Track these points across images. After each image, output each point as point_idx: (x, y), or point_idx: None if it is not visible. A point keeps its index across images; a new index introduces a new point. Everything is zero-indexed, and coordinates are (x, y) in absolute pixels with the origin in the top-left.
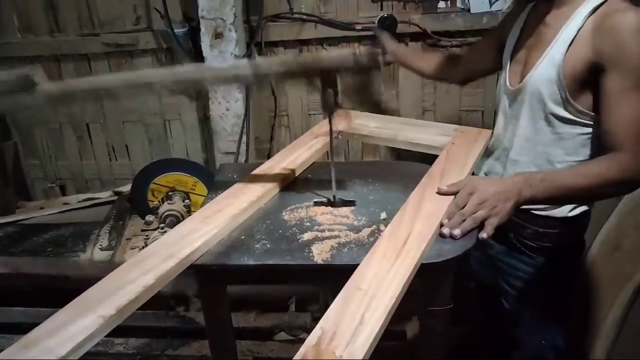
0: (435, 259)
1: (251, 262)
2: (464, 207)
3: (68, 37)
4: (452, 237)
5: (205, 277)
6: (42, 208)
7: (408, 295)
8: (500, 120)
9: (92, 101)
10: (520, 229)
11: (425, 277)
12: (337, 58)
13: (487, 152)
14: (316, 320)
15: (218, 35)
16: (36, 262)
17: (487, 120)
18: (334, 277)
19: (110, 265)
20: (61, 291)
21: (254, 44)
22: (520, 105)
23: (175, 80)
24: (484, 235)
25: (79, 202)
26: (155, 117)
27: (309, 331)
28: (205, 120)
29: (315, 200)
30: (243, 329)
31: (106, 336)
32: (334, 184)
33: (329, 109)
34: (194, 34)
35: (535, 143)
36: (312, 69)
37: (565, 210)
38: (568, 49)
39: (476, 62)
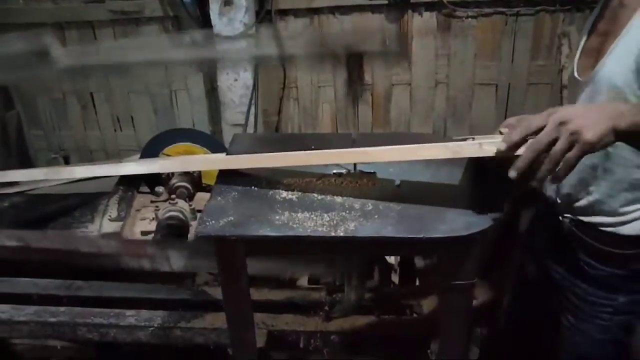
0: (461, 232)
1: (271, 234)
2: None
3: (72, 3)
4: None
5: (224, 248)
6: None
7: (428, 270)
8: None
9: (107, 74)
10: (581, 247)
11: (450, 250)
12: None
13: None
14: (331, 294)
15: (227, 3)
16: (45, 235)
17: (500, 95)
18: (357, 248)
19: (120, 238)
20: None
21: (264, 12)
22: (591, 100)
23: (196, 59)
24: (561, 172)
25: None
26: (161, 87)
27: (323, 305)
28: (212, 91)
29: (335, 171)
30: (257, 302)
31: (117, 307)
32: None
33: (354, 92)
34: (202, 1)
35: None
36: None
37: (638, 227)
38: None
39: None
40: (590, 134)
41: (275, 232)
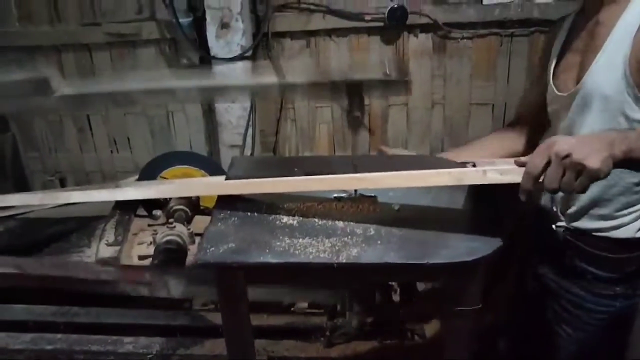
0: (465, 257)
1: (272, 260)
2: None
3: (69, 26)
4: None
5: (224, 275)
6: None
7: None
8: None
9: (108, 105)
10: (576, 254)
11: (454, 276)
12: (369, 80)
13: None
14: (332, 319)
15: (224, 26)
16: (41, 262)
17: (497, 115)
18: (359, 275)
19: (117, 264)
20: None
21: (261, 35)
22: (579, 113)
23: (200, 90)
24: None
25: None
26: (159, 109)
27: (324, 331)
28: (209, 112)
29: (335, 195)
30: (256, 328)
31: (115, 334)
32: None
33: (354, 119)
34: (199, 24)
35: None
36: (342, 86)
37: (632, 230)
38: (633, 41)
39: (536, 113)
40: (594, 162)
41: (277, 258)
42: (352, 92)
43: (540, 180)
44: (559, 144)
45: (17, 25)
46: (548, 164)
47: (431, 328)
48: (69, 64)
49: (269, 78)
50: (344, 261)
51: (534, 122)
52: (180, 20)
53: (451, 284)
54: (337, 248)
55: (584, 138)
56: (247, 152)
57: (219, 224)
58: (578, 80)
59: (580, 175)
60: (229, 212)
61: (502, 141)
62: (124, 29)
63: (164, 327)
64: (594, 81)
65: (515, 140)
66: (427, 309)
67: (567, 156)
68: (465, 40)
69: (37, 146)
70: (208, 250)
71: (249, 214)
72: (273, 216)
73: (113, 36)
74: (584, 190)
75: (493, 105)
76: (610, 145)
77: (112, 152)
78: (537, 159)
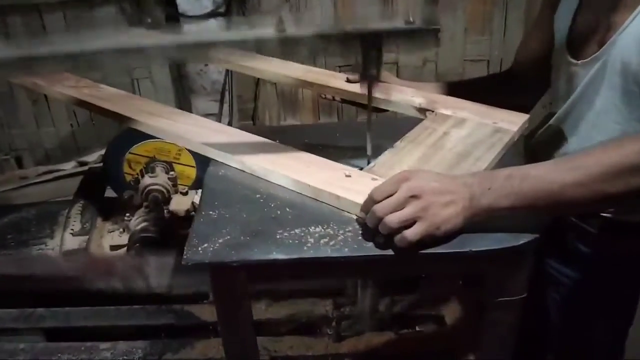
0: (513, 242)
1: (283, 256)
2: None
3: None
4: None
5: (222, 276)
6: None
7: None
8: (557, 104)
9: (68, 69)
10: (576, 234)
11: (498, 265)
12: (388, 30)
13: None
14: (339, 308)
15: None
16: None
17: (492, 71)
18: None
19: (86, 256)
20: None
21: None
22: (593, 86)
23: (178, 47)
24: (398, 243)
25: (39, 175)
26: (122, 76)
27: (331, 322)
28: (180, 78)
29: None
30: (255, 322)
31: (89, 340)
32: (369, 151)
33: (370, 78)
34: None
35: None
36: (356, 38)
37: None
38: None
39: (537, 60)
40: (438, 217)
41: (287, 254)
42: (369, 46)
43: None
44: (416, 180)
45: None
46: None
47: (450, 312)
48: (16, 27)
49: (265, 31)
50: (370, 254)
51: (533, 74)
52: None
53: (496, 272)
54: (358, 237)
55: (447, 185)
56: (225, 121)
57: (210, 211)
58: (600, 44)
59: (418, 222)
60: (220, 195)
61: (489, 90)
62: None
63: (146, 328)
64: (622, 48)
65: (507, 92)
66: (448, 289)
67: (416, 197)
68: None
69: None
70: (200, 247)
71: (245, 195)
72: (274, 199)
73: None
74: (410, 241)
75: (488, 61)
76: (470, 198)
77: (72, 125)
78: (387, 185)
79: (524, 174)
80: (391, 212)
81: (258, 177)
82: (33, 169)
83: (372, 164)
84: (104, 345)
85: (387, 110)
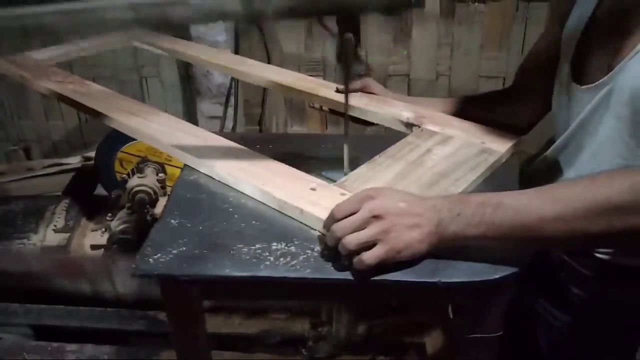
0: (489, 275)
1: (235, 274)
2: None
3: None
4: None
5: (172, 290)
6: (2, 174)
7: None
8: (557, 131)
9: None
10: (568, 275)
11: (474, 298)
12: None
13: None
14: (316, 327)
15: None
16: None
17: None
18: (348, 295)
19: (63, 254)
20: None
21: None
22: (599, 110)
23: (133, 11)
24: (356, 265)
25: (44, 167)
26: (131, 73)
27: (306, 341)
28: (187, 78)
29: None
30: (226, 336)
31: (56, 341)
32: (346, 164)
33: (347, 61)
34: None
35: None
36: (327, 5)
37: None
38: None
39: (542, 74)
40: (400, 240)
41: (240, 271)
42: (345, 20)
43: None
44: (381, 199)
45: None
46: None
47: (433, 342)
48: None
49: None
50: (328, 277)
51: (534, 92)
52: None
53: (469, 307)
54: (319, 259)
55: (414, 207)
56: (229, 125)
57: (172, 219)
58: (608, 70)
59: (378, 245)
60: (188, 201)
61: (487, 107)
62: None
63: (116, 332)
64: (631, 75)
65: (506, 109)
66: (429, 318)
67: (378, 217)
68: (476, 4)
69: None
70: (152, 257)
71: (214, 204)
72: (242, 210)
73: None
74: (367, 264)
75: (504, 78)
76: (437, 223)
77: (80, 120)
78: (350, 203)
79: (498, 202)
80: (351, 232)
81: (229, 185)
82: (39, 161)
83: (344, 178)
84: (70, 347)
85: (375, 124)
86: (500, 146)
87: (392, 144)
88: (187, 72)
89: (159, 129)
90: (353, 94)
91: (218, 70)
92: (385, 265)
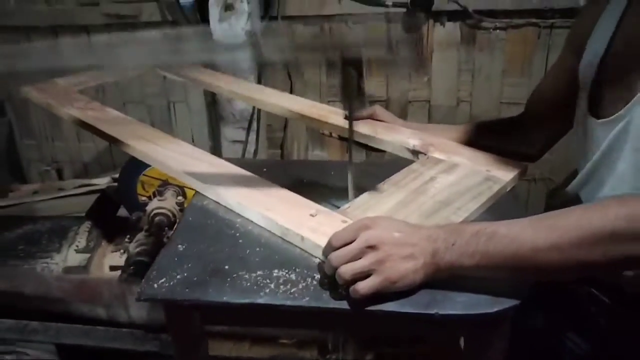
0: (487, 307)
1: (234, 300)
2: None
3: (66, 5)
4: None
5: (175, 315)
6: (35, 192)
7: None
8: (580, 165)
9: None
10: (599, 309)
11: (470, 332)
12: (366, 39)
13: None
14: (324, 355)
15: (228, 7)
16: None
17: None
18: (347, 325)
19: (81, 276)
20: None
21: (269, 18)
22: (617, 143)
23: (155, 60)
24: (352, 295)
25: (74, 188)
26: (159, 98)
27: None
28: (213, 103)
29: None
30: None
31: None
32: (351, 192)
33: (349, 96)
34: (202, 5)
35: None
36: (332, 47)
37: None
38: None
39: (554, 102)
40: (395, 271)
41: (238, 298)
42: (348, 69)
43: None
44: (377, 229)
45: (12, 3)
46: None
47: None
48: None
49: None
50: (324, 306)
51: (541, 122)
52: (181, 0)
53: (468, 341)
54: (318, 288)
55: (410, 237)
56: (251, 149)
57: (179, 244)
58: (625, 102)
59: (373, 275)
60: (196, 227)
61: (500, 132)
62: (123, 10)
63: (131, 354)
64: None
65: (514, 137)
66: (440, 349)
67: (373, 247)
68: (498, 30)
69: (34, 134)
70: (156, 282)
71: (221, 229)
72: (248, 236)
73: (112, 17)
74: (362, 294)
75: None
76: (432, 254)
77: (110, 143)
78: (347, 232)
79: (493, 231)
80: (347, 262)
81: (236, 211)
82: (70, 181)
83: (346, 205)
84: None
85: (384, 151)
86: (505, 174)
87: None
88: (212, 98)
89: (171, 156)
90: (362, 120)
91: (240, 99)
92: (381, 295)
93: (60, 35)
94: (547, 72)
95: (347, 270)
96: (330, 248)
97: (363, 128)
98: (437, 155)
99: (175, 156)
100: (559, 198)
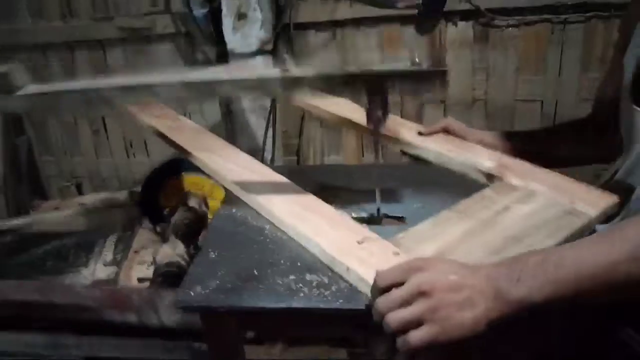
0: None
1: (270, 305)
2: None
3: (81, 21)
4: None
5: (212, 321)
6: (57, 208)
7: None
8: (625, 155)
9: (83, 108)
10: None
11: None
12: (392, 71)
13: None
14: (352, 356)
15: (241, 16)
16: (20, 286)
17: (546, 112)
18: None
19: (114, 285)
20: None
21: (282, 26)
22: None
23: (186, 88)
24: (400, 346)
25: (94, 202)
26: (175, 109)
27: None
28: (229, 113)
29: (354, 215)
30: None
31: None
32: (378, 197)
33: (375, 124)
34: (216, 15)
35: None
36: (358, 80)
37: None
38: None
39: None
40: (450, 325)
41: (277, 302)
42: (373, 87)
43: None
44: (431, 272)
45: (29, 21)
46: (401, 284)
47: None
48: (83, 61)
49: (270, 71)
50: (357, 307)
51: (610, 122)
52: (195, 12)
53: None
54: (352, 288)
55: (467, 279)
56: (267, 156)
57: (211, 252)
58: None
59: (425, 325)
60: (226, 235)
61: (565, 139)
62: (137, 23)
63: None
64: None
65: (585, 141)
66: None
67: (425, 294)
68: (510, 28)
69: (53, 150)
70: (193, 290)
71: (252, 237)
72: (279, 242)
73: (126, 31)
74: (412, 347)
75: (542, 102)
76: (494, 295)
77: (128, 156)
78: (395, 272)
79: (560, 256)
80: (396, 309)
81: (266, 217)
82: (89, 196)
83: (400, 234)
84: None
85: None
86: (590, 208)
87: (438, 174)
88: (227, 108)
89: (229, 168)
90: (434, 134)
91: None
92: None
93: (76, 51)
94: (607, 70)
95: (395, 318)
96: (376, 290)
97: (435, 144)
98: (513, 180)
99: (232, 167)
100: (606, 188)
